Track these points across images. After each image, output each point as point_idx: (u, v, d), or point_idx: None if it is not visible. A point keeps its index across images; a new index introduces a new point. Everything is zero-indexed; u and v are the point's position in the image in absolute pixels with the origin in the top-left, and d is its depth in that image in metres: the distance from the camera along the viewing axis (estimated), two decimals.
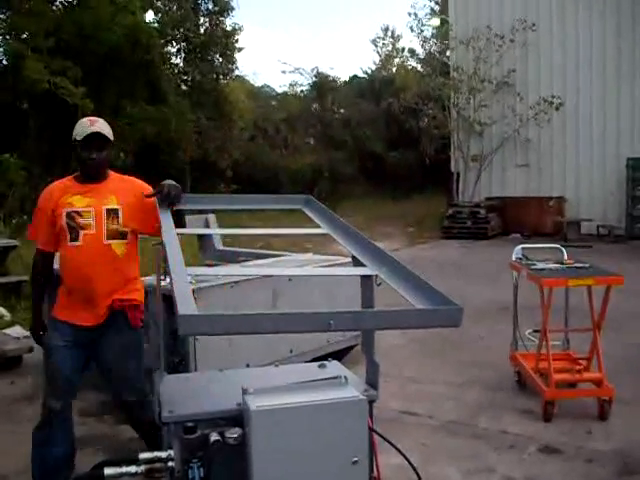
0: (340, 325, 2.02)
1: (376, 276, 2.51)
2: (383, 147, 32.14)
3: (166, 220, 2.97)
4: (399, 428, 4.60)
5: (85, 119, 3.67)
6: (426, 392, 5.60)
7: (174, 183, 3.30)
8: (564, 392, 5.18)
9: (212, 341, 4.29)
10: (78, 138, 3.52)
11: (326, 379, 2.46)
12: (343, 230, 3.01)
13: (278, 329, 2.02)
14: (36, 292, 3.86)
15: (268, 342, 4.90)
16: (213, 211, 6.42)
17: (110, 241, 3.56)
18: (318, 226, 3.17)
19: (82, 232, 3.52)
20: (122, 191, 3.65)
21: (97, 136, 3.53)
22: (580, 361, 5.41)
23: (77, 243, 3.54)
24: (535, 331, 5.78)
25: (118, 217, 3.58)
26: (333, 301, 5.39)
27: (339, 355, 5.36)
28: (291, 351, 5.31)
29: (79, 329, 3.62)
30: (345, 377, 2.44)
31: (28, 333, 7.40)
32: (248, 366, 4.51)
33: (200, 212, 6.55)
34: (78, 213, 3.53)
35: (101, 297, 3.60)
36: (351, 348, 6.12)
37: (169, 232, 2.77)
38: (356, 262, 2.72)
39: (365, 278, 2.62)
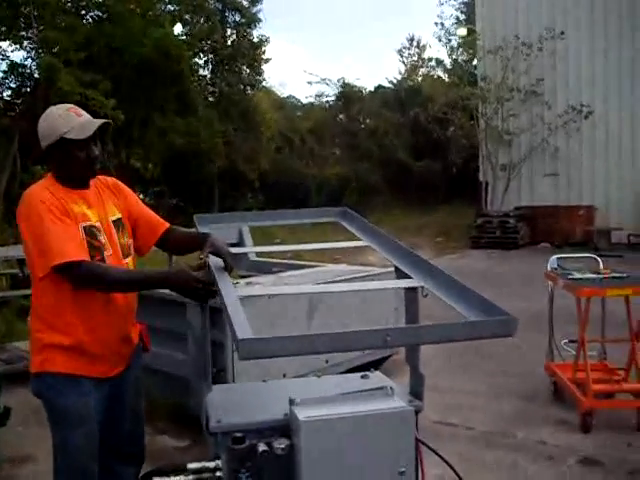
0: (397, 341, 2.04)
1: (422, 287, 2.51)
2: (409, 157, 32.07)
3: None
4: (435, 438, 4.54)
5: (61, 109, 2.83)
6: (461, 402, 5.58)
7: (226, 248, 2.76)
8: (603, 403, 5.13)
9: None
10: (80, 136, 2.71)
11: (372, 389, 2.47)
12: (383, 241, 3.01)
13: (336, 348, 2.05)
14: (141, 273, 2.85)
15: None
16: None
17: (127, 259, 2.92)
18: (353, 238, 3.18)
19: (106, 253, 2.78)
20: (114, 196, 2.98)
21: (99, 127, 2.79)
22: (617, 371, 5.37)
23: None
24: (571, 341, 5.75)
25: (125, 228, 2.95)
26: (368, 310, 5.41)
27: (374, 366, 5.36)
28: (327, 362, 5.31)
29: (104, 380, 2.85)
30: (391, 388, 2.46)
31: None
32: (284, 376, 4.53)
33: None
34: (97, 229, 2.79)
35: (133, 329, 3.01)
36: (386, 359, 6.11)
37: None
38: (400, 274, 2.72)
39: (410, 290, 2.62)
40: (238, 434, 2.28)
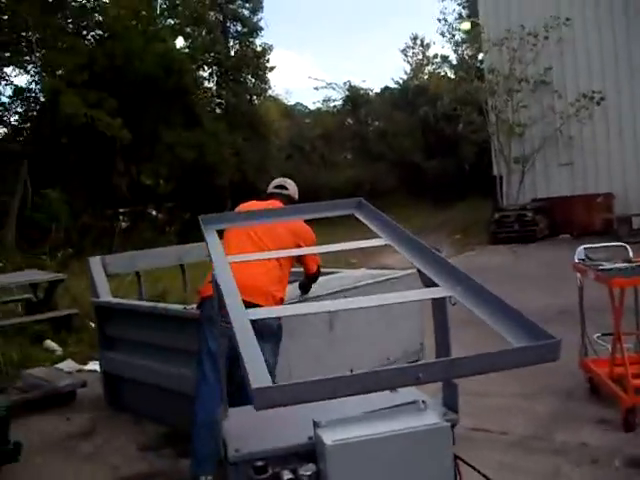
0: (430, 377, 1.81)
1: (450, 297, 2.29)
2: (421, 156, 31.97)
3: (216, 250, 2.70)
4: (470, 446, 4.32)
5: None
6: (495, 406, 5.33)
7: None
8: None
9: None
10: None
11: (403, 405, 2.26)
12: (404, 240, 2.78)
13: (361, 390, 1.81)
14: None
15: (324, 366, 4.68)
16: None
17: None
18: (370, 233, 2.97)
19: None
20: None
21: None
22: None
23: None
24: (604, 334, 5.49)
25: None
26: (392, 316, 5.18)
27: None
28: (351, 371, 5.09)
29: None
30: (423, 401, 2.25)
31: (81, 367, 7.37)
32: None
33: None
34: None
35: None
36: None
37: (223, 268, 2.52)
38: (424, 278, 2.50)
39: (438, 299, 2.40)
40: (259, 463, 2.09)
